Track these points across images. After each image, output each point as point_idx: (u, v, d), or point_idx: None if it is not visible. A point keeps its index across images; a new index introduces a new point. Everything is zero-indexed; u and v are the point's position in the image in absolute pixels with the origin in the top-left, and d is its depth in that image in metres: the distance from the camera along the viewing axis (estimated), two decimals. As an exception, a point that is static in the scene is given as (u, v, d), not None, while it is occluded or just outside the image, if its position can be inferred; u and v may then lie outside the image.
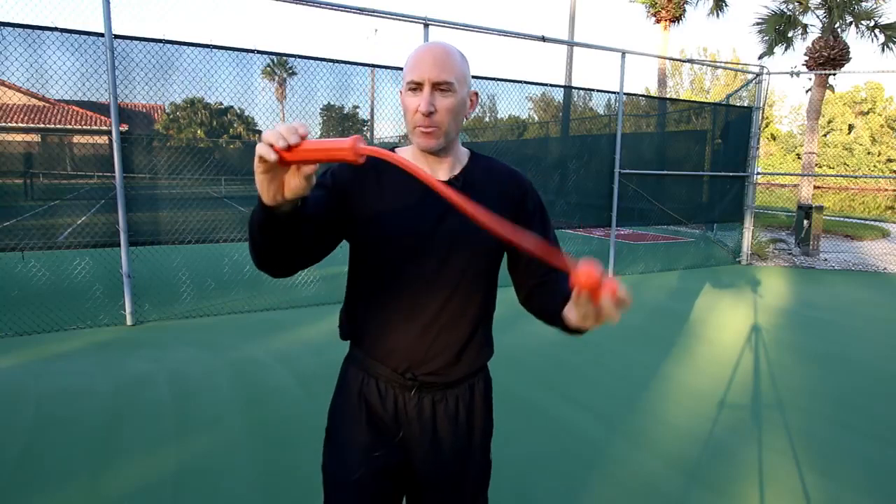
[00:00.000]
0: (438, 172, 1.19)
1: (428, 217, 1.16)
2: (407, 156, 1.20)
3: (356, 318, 1.25)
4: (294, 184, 0.82)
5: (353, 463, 1.23)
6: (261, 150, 0.77)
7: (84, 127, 5.90)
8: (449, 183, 1.16)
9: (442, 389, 1.23)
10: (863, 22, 11.26)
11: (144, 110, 5.48)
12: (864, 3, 11.22)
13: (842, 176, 37.85)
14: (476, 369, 1.27)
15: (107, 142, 4.92)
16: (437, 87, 1.11)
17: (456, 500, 1.29)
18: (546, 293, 1.19)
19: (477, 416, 1.29)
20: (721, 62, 35.77)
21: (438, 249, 1.16)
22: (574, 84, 12.05)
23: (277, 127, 0.77)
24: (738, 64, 22.66)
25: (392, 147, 1.26)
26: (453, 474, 1.27)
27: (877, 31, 11.17)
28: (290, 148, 0.76)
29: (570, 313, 1.02)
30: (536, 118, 10.43)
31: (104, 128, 5.00)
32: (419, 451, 1.24)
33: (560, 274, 1.09)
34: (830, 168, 40.54)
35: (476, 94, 1.22)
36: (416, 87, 1.11)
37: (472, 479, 1.31)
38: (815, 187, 17.53)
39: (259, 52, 5.25)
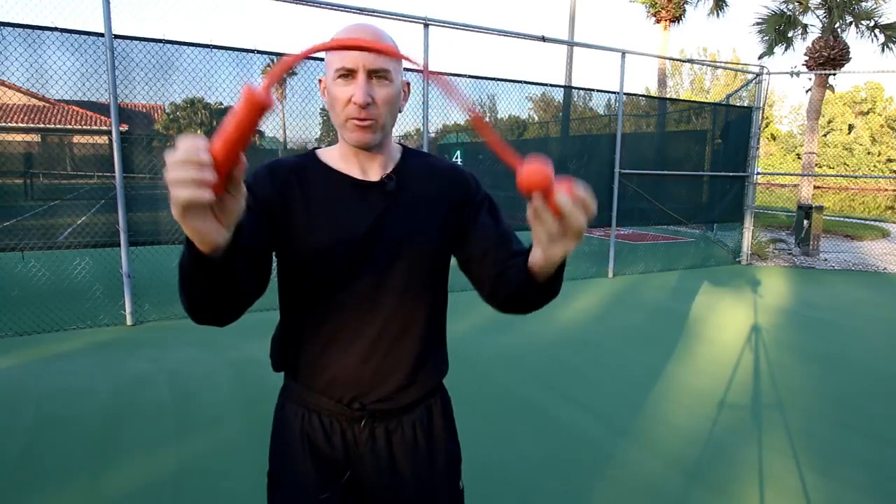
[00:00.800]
0: (370, 171, 1.06)
1: (361, 224, 1.02)
2: (333, 156, 1.08)
3: (290, 345, 1.11)
4: (231, 204, 0.66)
5: None
6: (187, 181, 0.58)
7: (84, 127, 5.90)
8: (382, 182, 1.05)
9: (396, 416, 1.09)
10: (863, 22, 11.26)
11: (144, 110, 5.47)
12: (864, 3, 11.23)
13: (842, 176, 37.85)
14: (431, 389, 1.13)
15: (107, 142, 4.92)
16: (374, 74, 0.96)
17: None
18: (510, 276, 0.99)
19: (438, 441, 1.14)
20: (721, 62, 35.78)
21: (376, 259, 1.03)
22: (574, 84, 12.06)
23: (176, 156, 0.59)
24: (738, 64, 22.67)
25: (313, 150, 1.12)
26: None
27: (877, 31, 11.18)
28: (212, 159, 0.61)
29: (535, 251, 0.84)
30: (536, 118, 10.44)
31: (104, 128, 5.00)
32: (377, 491, 1.10)
33: (521, 258, 0.96)
34: (830, 168, 40.55)
35: (408, 84, 1.08)
36: (347, 73, 0.96)
37: None
38: (815, 187, 17.53)
39: (259, 52, 5.25)
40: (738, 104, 10.26)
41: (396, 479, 1.10)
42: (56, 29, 4.42)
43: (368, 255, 1.03)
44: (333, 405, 1.06)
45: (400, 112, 1.06)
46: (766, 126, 40.28)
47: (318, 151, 1.12)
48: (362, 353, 1.04)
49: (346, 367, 1.04)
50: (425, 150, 4.49)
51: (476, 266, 1.08)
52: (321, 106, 5.91)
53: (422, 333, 1.08)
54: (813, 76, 11.43)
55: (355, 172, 1.06)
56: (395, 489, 1.10)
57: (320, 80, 1.05)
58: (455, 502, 1.18)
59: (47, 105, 5.59)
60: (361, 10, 5.51)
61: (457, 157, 7.56)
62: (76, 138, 5.82)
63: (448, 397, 1.21)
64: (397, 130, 6.66)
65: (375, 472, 1.09)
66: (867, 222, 15.48)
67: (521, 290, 0.95)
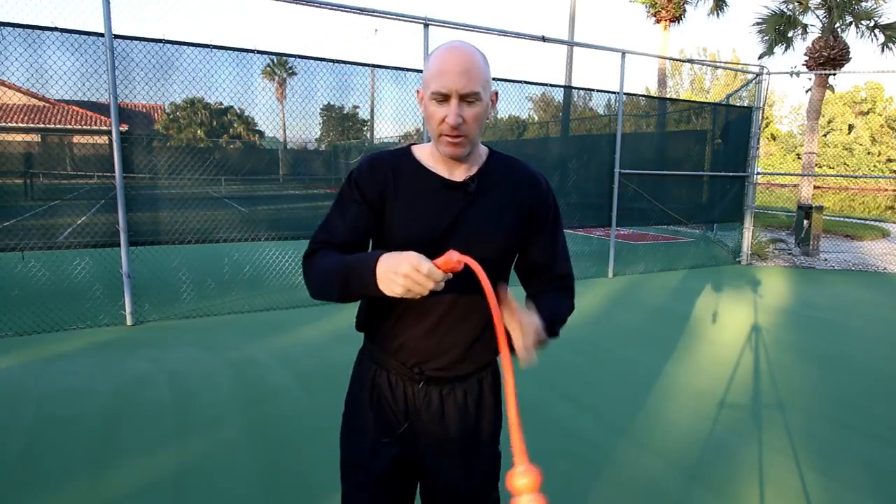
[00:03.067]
0: (456, 172, 1.21)
1: (443, 219, 1.18)
2: (425, 154, 1.23)
3: (370, 313, 1.28)
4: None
5: (365, 448, 1.28)
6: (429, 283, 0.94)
7: (84, 127, 5.90)
8: (465, 183, 1.20)
9: (450, 383, 1.26)
10: (863, 22, 11.26)
11: (144, 110, 5.48)
12: (864, 3, 11.22)
13: (842, 176, 37.85)
14: (483, 365, 1.30)
15: (107, 142, 4.92)
16: (465, 98, 1.10)
17: (467, 490, 1.31)
18: (538, 301, 1.25)
19: (486, 409, 1.31)
20: (721, 62, 35.77)
21: (454, 246, 1.16)
22: (574, 84, 12.06)
23: (418, 273, 0.93)
24: (738, 64, 22.67)
25: (409, 146, 1.28)
26: (463, 466, 1.29)
27: (877, 31, 11.17)
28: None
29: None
30: (536, 118, 10.44)
31: (104, 128, 5.00)
32: (429, 443, 1.27)
33: (559, 293, 1.32)
34: (830, 168, 40.53)
35: (496, 93, 1.22)
36: (442, 98, 1.10)
37: (483, 472, 1.32)
38: (815, 187, 17.52)
39: (259, 52, 5.25)
40: (738, 104, 10.26)
41: (445, 435, 1.27)
42: (56, 29, 4.42)
43: (444, 248, 1.15)
44: (399, 366, 1.25)
45: (488, 120, 1.21)
46: (766, 126, 40.27)
47: (414, 148, 1.26)
48: (428, 328, 1.21)
49: (412, 338, 1.22)
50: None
51: (523, 271, 1.34)
52: (321, 106, 5.91)
53: (480, 319, 1.23)
54: (813, 76, 11.42)
55: (443, 172, 1.21)
56: (444, 442, 1.27)
57: (418, 91, 1.19)
58: (493, 461, 1.35)
59: (47, 105, 5.59)
60: (361, 10, 5.51)
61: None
62: (76, 138, 5.82)
63: (498, 373, 1.37)
64: (399, 129, 6.67)
65: (428, 427, 1.26)
66: (867, 222, 15.47)
67: None
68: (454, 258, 0.94)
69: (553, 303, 1.28)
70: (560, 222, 1.33)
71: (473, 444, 1.30)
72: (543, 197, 1.28)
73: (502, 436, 1.35)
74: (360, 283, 1.00)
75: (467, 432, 1.28)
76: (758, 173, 9.66)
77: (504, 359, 0.95)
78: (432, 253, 1.15)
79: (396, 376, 1.26)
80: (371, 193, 1.19)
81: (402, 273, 0.92)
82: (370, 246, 1.24)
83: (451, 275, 0.97)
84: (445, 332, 1.21)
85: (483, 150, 1.26)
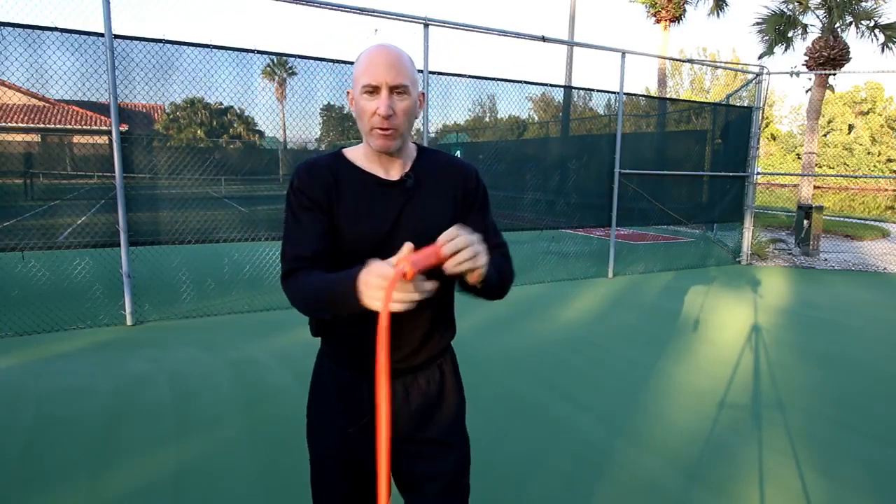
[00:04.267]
0: (391, 171, 1.25)
1: (386, 218, 1.22)
2: (358, 155, 1.27)
3: (321, 319, 1.31)
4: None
5: (333, 441, 1.32)
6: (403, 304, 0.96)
7: (84, 127, 5.90)
8: (402, 180, 1.25)
9: (412, 373, 1.31)
10: (863, 22, 11.26)
11: (144, 110, 5.48)
12: (864, 3, 11.22)
13: (842, 176, 37.85)
14: (439, 352, 1.35)
15: (107, 142, 4.92)
16: (394, 90, 1.16)
17: (441, 472, 1.32)
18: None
19: (448, 391, 1.36)
20: (721, 62, 35.77)
21: (400, 241, 1.17)
22: (574, 84, 12.06)
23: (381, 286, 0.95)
24: (738, 64, 22.67)
25: (340, 150, 1.31)
26: (434, 450, 1.32)
27: (877, 31, 11.18)
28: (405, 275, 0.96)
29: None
30: (536, 118, 10.44)
31: (104, 128, 5.00)
32: (397, 430, 1.27)
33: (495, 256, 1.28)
34: (830, 168, 40.53)
35: (423, 94, 1.28)
36: (372, 90, 1.16)
37: (454, 454, 1.35)
38: (815, 187, 17.53)
39: (259, 52, 5.25)
40: (738, 104, 10.26)
41: (411, 420, 1.30)
42: (56, 29, 4.42)
43: (391, 245, 1.16)
44: (358, 364, 1.27)
45: (416, 118, 1.25)
46: (766, 126, 40.27)
47: (345, 151, 1.30)
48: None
49: (367, 338, 1.20)
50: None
51: None
52: (321, 106, 5.91)
53: (431, 312, 1.28)
54: (813, 76, 11.42)
55: (379, 172, 1.26)
56: (412, 429, 1.31)
57: (348, 92, 1.24)
58: (463, 443, 1.39)
59: (47, 105, 5.59)
60: (361, 10, 5.51)
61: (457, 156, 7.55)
62: (76, 138, 5.82)
63: (454, 356, 1.42)
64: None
65: (394, 414, 1.25)
66: (867, 222, 15.47)
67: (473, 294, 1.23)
68: (401, 267, 0.97)
69: (495, 258, 1.28)
70: (488, 203, 1.37)
71: (441, 427, 1.34)
72: (472, 181, 1.33)
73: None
74: (350, 306, 1.03)
75: (434, 416, 1.33)
76: (758, 173, 9.66)
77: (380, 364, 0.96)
78: (381, 252, 1.16)
79: (356, 372, 1.29)
80: (317, 195, 1.22)
81: (373, 286, 0.96)
82: None
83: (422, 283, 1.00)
84: (399, 327, 1.22)
85: (412, 148, 1.31)
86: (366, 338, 1.20)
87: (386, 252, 1.15)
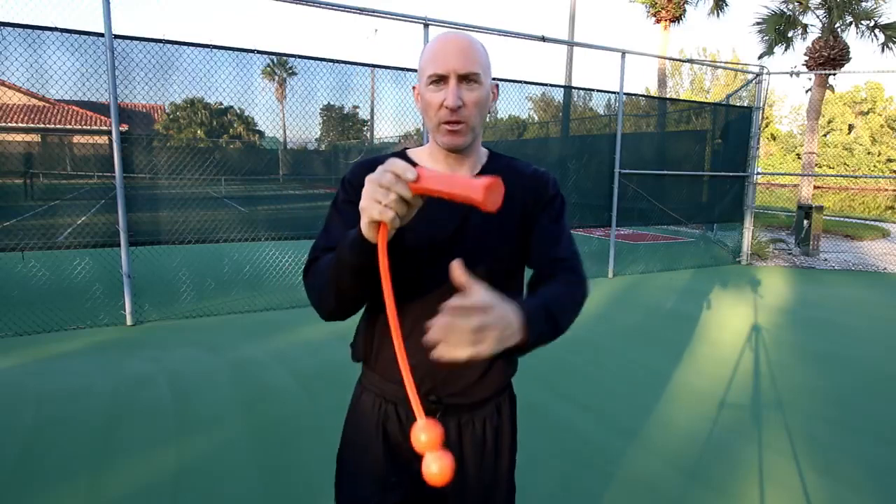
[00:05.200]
0: (458, 173, 1.12)
1: (447, 225, 1.09)
2: (423, 156, 1.14)
3: (373, 336, 1.15)
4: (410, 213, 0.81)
5: (373, 489, 1.14)
6: (392, 188, 0.77)
7: (84, 127, 5.90)
8: None
9: (468, 412, 1.14)
10: (863, 22, 11.26)
11: (144, 110, 5.48)
12: (864, 3, 11.22)
13: (842, 176, 37.84)
14: (501, 387, 1.20)
15: (107, 142, 4.92)
16: (464, 79, 1.03)
17: None
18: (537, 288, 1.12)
19: (504, 440, 1.20)
20: (721, 62, 35.77)
21: (460, 255, 1.05)
22: (574, 84, 12.06)
23: (384, 177, 0.78)
24: (738, 64, 22.67)
25: (404, 150, 1.19)
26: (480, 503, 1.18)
27: (877, 31, 11.17)
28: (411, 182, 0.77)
29: None
30: (536, 118, 10.43)
31: (104, 128, 5.00)
32: (449, 490, 1.12)
33: (559, 277, 1.12)
34: (830, 168, 40.53)
35: (497, 86, 1.14)
36: (439, 79, 1.03)
37: None
38: (815, 187, 17.52)
39: (259, 52, 5.25)
40: (738, 104, 10.26)
41: (461, 474, 1.13)
42: (56, 29, 4.42)
43: (451, 254, 1.02)
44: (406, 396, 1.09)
45: (490, 113, 1.12)
46: (766, 126, 40.26)
47: (409, 151, 1.18)
48: None
49: (425, 358, 1.03)
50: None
51: (529, 265, 1.18)
52: (321, 106, 5.91)
53: None
54: (813, 76, 11.42)
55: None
56: (460, 482, 1.13)
57: (414, 88, 1.12)
58: (510, 497, 1.24)
59: (47, 105, 5.59)
60: (362, 10, 5.51)
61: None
62: (76, 138, 5.82)
63: (515, 397, 1.26)
64: (399, 129, 6.66)
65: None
66: (867, 222, 15.47)
67: None
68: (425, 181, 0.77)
69: (551, 288, 1.10)
70: (563, 215, 1.19)
71: (492, 481, 1.19)
72: (548, 190, 1.17)
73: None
74: (349, 250, 0.88)
75: (486, 468, 1.17)
76: (758, 173, 9.66)
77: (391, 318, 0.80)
78: (439, 266, 1.03)
79: (407, 409, 1.12)
80: None
81: (371, 184, 0.80)
82: None
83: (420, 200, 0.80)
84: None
85: (484, 152, 1.19)
86: (424, 358, 1.04)
87: (444, 262, 1.00)
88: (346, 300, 0.99)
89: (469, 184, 0.73)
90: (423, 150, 1.16)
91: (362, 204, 0.80)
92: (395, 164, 0.77)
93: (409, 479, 1.12)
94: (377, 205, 0.78)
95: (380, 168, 0.79)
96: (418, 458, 1.03)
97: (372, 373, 1.17)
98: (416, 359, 1.06)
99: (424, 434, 0.71)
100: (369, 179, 0.79)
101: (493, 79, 1.15)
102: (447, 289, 1.02)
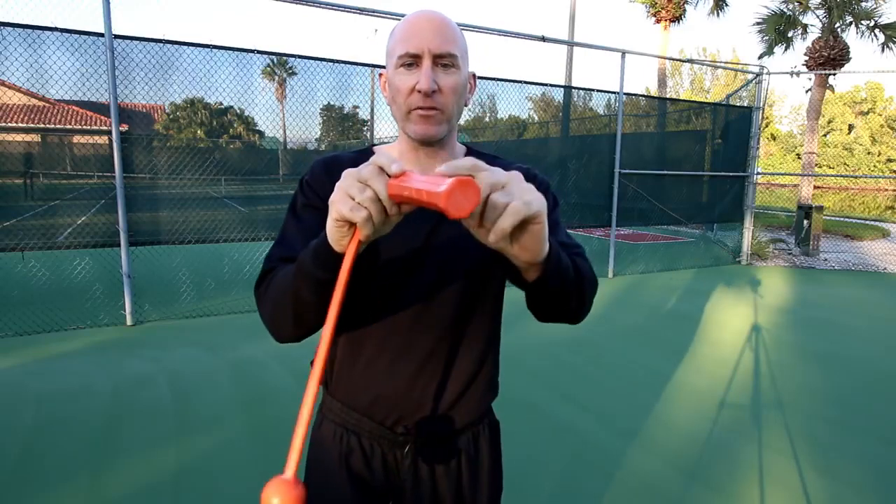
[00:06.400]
0: (430, 171, 0.92)
1: (416, 234, 0.94)
2: (392, 152, 0.99)
3: (332, 359, 1.02)
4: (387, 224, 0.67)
5: None
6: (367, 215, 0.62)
7: (84, 127, 5.90)
8: None
9: (442, 443, 1.01)
10: (863, 22, 11.26)
11: (144, 110, 5.48)
12: (864, 3, 11.23)
13: (842, 176, 37.85)
14: (480, 415, 1.05)
15: (107, 142, 4.93)
16: (440, 60, 0.88)
17: None
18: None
19: (483, 473, 1.06)
20: (721, 62, 35.77)
21: (430, 272, 0.95)
22: (574, 84, 12.06)
23: (364, 169, 0.63)
24: (738, 64, 22.66)
25: (371, 146, 1.07)
26: None
27: (877, 31, 11.18)
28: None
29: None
30: (536, 118, 10.43)
31: (104, 128, 5.00)
32: None
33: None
34: (830, 168, 40.53)
35: (474, 75, 1.00)
36: (412, 61, 0.88)
37: None
38: (815, 187, 17.53)
39: (259, 52, 5.25)
40: (738, 104, 10.26)
41: None
42: (56, 29, 4.42)
43: (423, 268, 0.94)
44: (376, 427, 0.98)
45: (466, 106, 0.97)
46: (766, 126, 40.26)
47: (377, 147, 1.06)
48: (412, 370, 0.96)
49: (393, 384, 0.96)
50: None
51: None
52: (321, 106, 5.91)
53: (477, 352, 1.00)
54: (813, 76, 11.42)
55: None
56: None
57: (381, 75, 0.98)
58: None
59: (47, 105, 5.59)
60: (361, 10, 5.51)
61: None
62: (76, 138, 5.82)
63: (496, 423, 1.12)
64: (391, 129, 6.66)
65: (415, 501, 1.00)
66: (867, 222, 15.47)
67: (532, 298, 0.85)
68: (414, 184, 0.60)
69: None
70: (557, 211, 1.02)
71: None
72: (536, 185, 0.97)
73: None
74: (312, 260, 0.73)
75: (465, 502, 1.04)
76: (758, 173, 9.66)
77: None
78: (408, 277, 0.94)
79: (372, 441, 0.99)
80: (328, 195, 0.90)
81: (341, 188, 0.65)
82: None
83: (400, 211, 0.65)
84: (434, 372, 0.96)
85: (460, 149, 1.04)
86: (392, 384, 0.96)
87: (417, 274, 0.94)
88: (304, 321, 0.82)
89: (433, 182, 0.58)
90: (392, 146, 1.02)
91: (333, 197, 0.65)
92: (381, 155, 0.64)
93: None
94: (349, 200, 0.63)
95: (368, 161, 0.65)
96: (386, 496, 1.00)
97: (332, 399, 1.03)
98: (380, 386, 0.96)
99: (277, 499, 0.52)
100: (347, 173, 0.65)
101: (494, 79, 1.09)
102: (419, 308, 0.95)
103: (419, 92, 0.88)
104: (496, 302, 1.04)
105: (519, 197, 0.61)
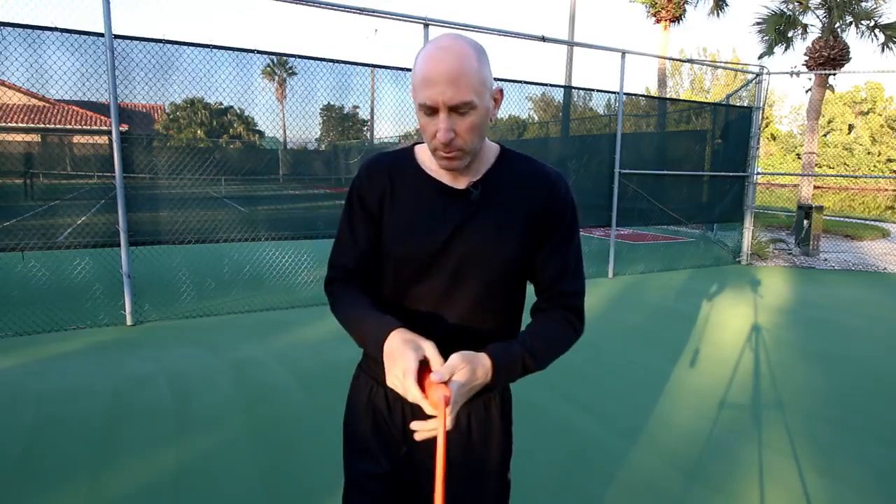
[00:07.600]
0: (460, 177, 1.09)
1: (442, 231, 1.07)
2: (428, 156, 1.12)
3: None
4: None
5: (363, 471, 1.21)
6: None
7: (84, 127, 5.90)
8: (467, 190, 1.08)
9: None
10: (863, 22, 11.25)
11: (144, 110, 5.48)
12: (864, 3, 11.22)
13: (842, 176, 37.85)
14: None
15: (107, 142, 4.92)
16: (455, 109, 0.96)
17: None
18: (536, 319, 1.16)
19: (493, 433, 1.20)
20: (721, 62, 35.77)
21: (453, 266, 1.08)
22: (574, 84, 12.05)
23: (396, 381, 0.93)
24: (738, 64, 22.67)
25: (413, 145, 1.18)
26: (468, 495, 1.18)
27: (877, 31, 11.17)
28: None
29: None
30: (536, 118, 10.43)
31: (104, 128, 5.00)
32: (430, 469, 1.12)
33: (556, 314, 1.14)
34: (830, 168, 40.53)
35: (501, 91, 1.07)
36: (430, 111, 0.98)
37: (490, 501, 1.22)
38: (815, 187, 17.53)
39: (259, 52, 5.25)
40: (738, 104, 10.26)
41: (447, 460, 1.11)
42: (56, 29, 4.42)
43: (447, 261, 1.07)
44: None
45: (491, 122, 1.07)
46: (766, 126, 40.26)
47: (418, 148, 1.15)
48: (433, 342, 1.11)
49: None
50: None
51: (532, 281, 1.18)
52: (321, 106, 5.91)
53: (491, 336, 1.10)
54: (813, 76, 11.42)
55: (445, 177, 1.10)
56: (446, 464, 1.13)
57: (413, 94, 1.08)
58: (502, 491, 1.24)
59: (47, 105, 5.59)
60: (361, 10, 5.51)
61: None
62: (76, 138, 5.82)
63: (509, 397, 1.27)
64: (396, 129, 6.65)
65: (427, 454, 1.09)
66: (867, 222, 15.47)
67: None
68: (436, 397, 0.90)
69: (539, 326, 1.13)
70: (574, 232, 1.14)
71: (479, 473, 1.18)
72: (557, 200, 1.11)
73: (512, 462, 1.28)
74: (372, 348, 1.02)
75: (473, 461, 1.18)
76: (758, 173, 9.66)
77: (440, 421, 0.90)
78: (427, 271, 1.08)
79: (394, 396, 1.15)
80: (372, 203, 1.11)
81: (390, 373, 0.94)
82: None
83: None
84: (451, 347, 1.06)
85: (493, 151, 1.12)
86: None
87: (440, 267, 1.07)
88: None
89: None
90: (425, 146, 1.14)
91: (391, 382, 0.95)
92: (405, 367, 0.91)
93: (397, 464, 1.18)
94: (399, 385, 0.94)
95: (393, 378, 0.94)
96: (403, 443, 1.18)
97: (368, 357, 1.21)
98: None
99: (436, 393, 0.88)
100: (389, 368, 0.96)
101: (495, 78, 1.15)
102: (439, 297, 1.10)
103: (439, 140, 0.98)
104: (512, 295, 1.16)
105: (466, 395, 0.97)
